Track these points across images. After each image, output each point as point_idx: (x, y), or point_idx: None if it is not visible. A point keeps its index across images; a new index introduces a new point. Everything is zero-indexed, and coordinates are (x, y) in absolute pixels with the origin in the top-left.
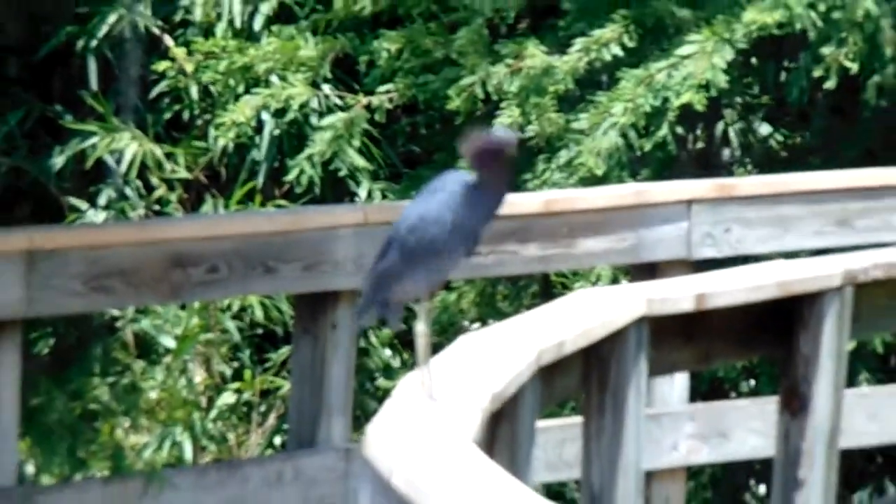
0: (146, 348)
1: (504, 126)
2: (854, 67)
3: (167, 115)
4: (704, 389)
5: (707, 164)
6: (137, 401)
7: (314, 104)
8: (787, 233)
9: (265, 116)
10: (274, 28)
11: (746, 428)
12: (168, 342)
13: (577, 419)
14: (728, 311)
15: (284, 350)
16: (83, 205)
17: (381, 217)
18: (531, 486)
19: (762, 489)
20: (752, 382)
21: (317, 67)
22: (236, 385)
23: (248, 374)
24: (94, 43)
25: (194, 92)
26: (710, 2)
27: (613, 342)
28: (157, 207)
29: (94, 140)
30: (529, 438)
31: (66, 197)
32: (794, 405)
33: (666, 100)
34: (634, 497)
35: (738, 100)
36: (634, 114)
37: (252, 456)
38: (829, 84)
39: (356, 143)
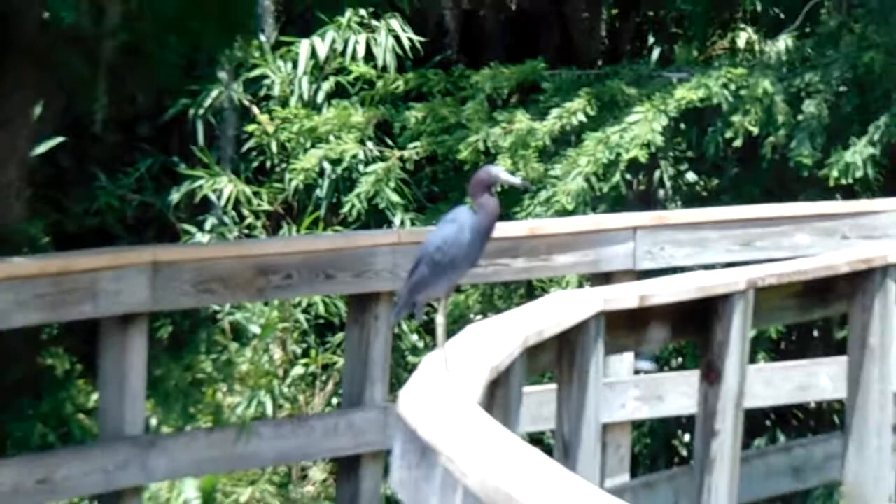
0: (239, 333)
1: (498, 166)
2: (755, 131)
3: (254, 164)
4: None
5: (648, 201)
6: (232, 372)
7: (361, 156)
8: (705, 251)
9: (326, 165)
10: (333, 101)
11: (676, 392)
12: (255, 329)
13: (553, 386)
14: (663, 308)
15: (340, 335)
16: (193, 229)
17: (410, 239)
18: (519, 435)
19: (687, 437)
20: (680, 360)
21: (364, 129)
22: (305, 360)
23: (313, 352)
24: (201, 111)
25: (274, 147)
26: (649, 83)
27: (579, 330)
28: (247, 231)
29: (201, 182)
30: (518, 400)
31: (180, 223)
32: (711, 377)
33: (618, 154)
34: (594, 443)
35: (671, 154)
36: (595, 164)
37: (316, 412)
38: (737, 143)
39: (392, 184)
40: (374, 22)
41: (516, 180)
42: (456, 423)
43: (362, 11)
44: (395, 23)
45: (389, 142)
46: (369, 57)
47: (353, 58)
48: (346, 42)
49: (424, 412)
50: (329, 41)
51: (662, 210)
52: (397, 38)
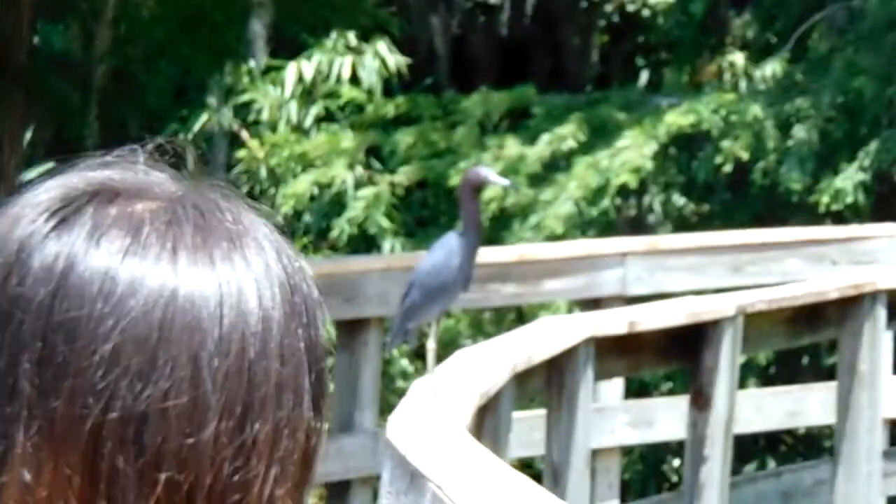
0: None
1: (485, 166)
2: (745, 156)
3: (244, 189)
4: (635, 389)
5: (637, 226)
6: None
7: (351, 181)
8: (695, 276)
9: (316, 190)
10: (322, 125)
11: (666, 418)
12: None
13: (542, 411)
14: (652, 334)
15: (329, 360)
16: None
17: (400, 264)
18: (508, 461)
19: (676, 462)
20: (670, 385)
21: (354, 154)
22: None
23: None
24: (191, 135)
25: (264, 171)
26: (640, 108)
27: (569, 355)
28: None
29: None
30: (507, 425)
31: None
32: (701, 402)
33: (608, 179)
34: (583, 468)
35: (661, 179)
36: (585, 190)
37: None
38: (727, 168)
39: (382, 209)
40: (362, 44)
41: (504, 181)
42: (445, 449)
43: (350, 34)
44: (383, 46)
45: (379, 166)
46: (356, 80)
47: (339, 80)
48: (331, 64)
49: (413, 438)
50: (315, 63)
51: (652, 235)
52: (384, 62)
